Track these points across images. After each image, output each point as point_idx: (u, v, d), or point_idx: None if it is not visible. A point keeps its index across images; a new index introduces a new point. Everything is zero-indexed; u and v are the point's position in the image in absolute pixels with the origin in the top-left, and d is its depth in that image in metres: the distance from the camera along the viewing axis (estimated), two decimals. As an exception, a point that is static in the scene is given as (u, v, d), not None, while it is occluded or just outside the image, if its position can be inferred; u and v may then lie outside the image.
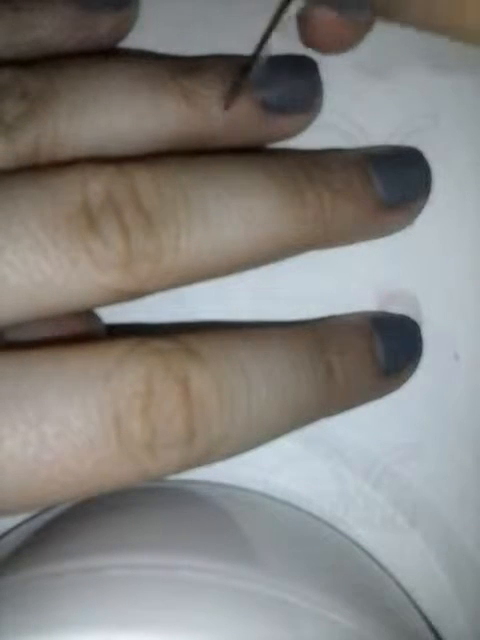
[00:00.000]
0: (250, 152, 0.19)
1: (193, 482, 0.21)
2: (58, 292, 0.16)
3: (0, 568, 0.18)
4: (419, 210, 0.20)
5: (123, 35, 0.20)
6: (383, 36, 0.21)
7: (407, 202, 0.20)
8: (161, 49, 0.21)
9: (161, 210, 0.16)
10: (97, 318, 0.20)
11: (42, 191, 0.16)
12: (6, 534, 0.21)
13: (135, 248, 0.16)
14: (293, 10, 0.20)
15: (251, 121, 0.19)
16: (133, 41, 0.21)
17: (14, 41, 0.19)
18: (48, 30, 0.19)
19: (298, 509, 0.21)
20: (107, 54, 0.20)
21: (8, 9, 0.19)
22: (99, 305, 0.17)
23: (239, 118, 0.19)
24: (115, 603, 0.16)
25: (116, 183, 0.16)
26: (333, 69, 0.21)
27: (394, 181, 0.19)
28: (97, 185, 0.16)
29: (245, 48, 0.20)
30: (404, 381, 0.20)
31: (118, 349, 0.16)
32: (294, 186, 0.18)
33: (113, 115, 0.18)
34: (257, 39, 0.20)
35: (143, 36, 0.21)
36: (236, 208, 0.17)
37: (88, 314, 0.20)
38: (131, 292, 0.16)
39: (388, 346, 0.20)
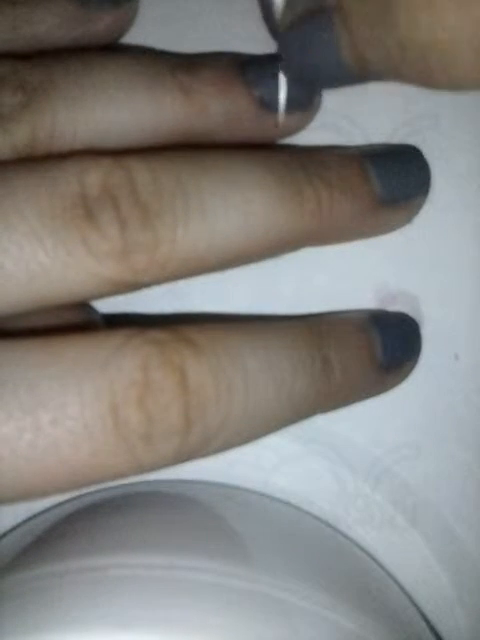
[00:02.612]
0: (249, 149, 0.19)
1: (193, 482, 0.21)
2: (54, 282, 0.16)
3: (1, 568, 0.18)
4: (418, 208, 0.20)
5: (122, 32, 0.20)
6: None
7: (405, 199, 0.20)
8: (161, 47, 0.21)
9: (158, 202, 0.16)
10: (94, 310, 0.20)
11: (39, 181, 0.16)
12: (7, 534, 0.21)
13: (131, 239, 0.16)
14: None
15: (249, 119, 0.19)
16: (133, 39, 0.21)
17: (12, 36, 0.19)
18: (46, 26, 0.19)
19: (298, 509, 0.21)
20: (106, 50, 0.20)
21: (6, 4, 0.19)
22: (96, 296, 0.17)
23: (237, 115, 0.19)
24: (115, 603, 0.16)
25: (113, 174, 0.16)
26: (333, 69, 0.21)
27: (392, 178, 0.19)
28: (94, 176, 0.16)
29: (245, 48, 0.20)
30: (403, 378, 0.20)
31: (115, 338, 0.16)
32: (292, 181, 0.18)
33: (111, 109, 0.18)
34: (257, 38, 0.20)
35: (143, 34, 0.21)
36: (233, 201, 0.17)
37: (85, 306, 0.20)
38: (127, 283, 0.16)
39: (386, 342, 0.19)
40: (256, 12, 0.20)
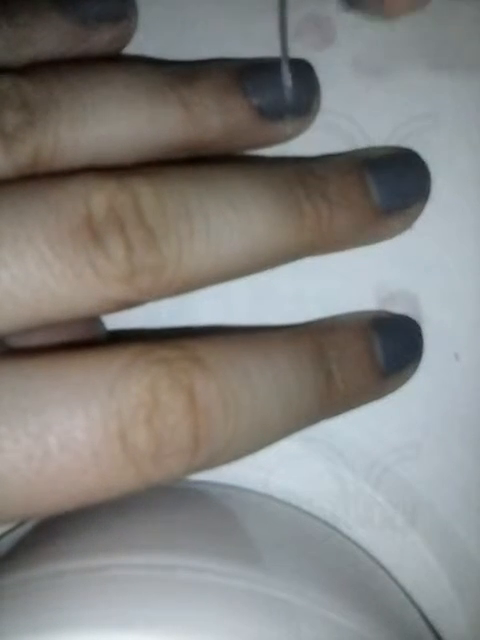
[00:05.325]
0: (248, 158, 0.19)
1: (193, 482, 0.21)
2: (62, 304, 0.16)
3: (1, 568, 0.18)
4: (418, 214, 0.20)
5: (122, 46, 0.20)
6: (383, 36, 0.21)
7: (405, 208, 0.20)
8: (161, 50, 0.21)
9: (163, 223, 0.16)
10: (99, 322, 0.20)
11: (45, 205, 0.16)
12: (6, 534, 0.21)
13: (137, 261, 0.16)
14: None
15: (248, 128, 0.19)
16: (133, 42, 0.21)
17: (12, 57, 0.19)
18: (46, 45, 0.19)
19: (298, 509, 0.21)
20: (106, 62, 0.20)
21: (6, 25, 0.19)
22: (100, 314, 0.17)
23: (236, 126, 0.19)
24: (115, 603, 0.16)
25: (118, 197, 0.16)
26: (333, 69, 0.21)
27: (392, 187, 0.19)
28: (100, 198, 0.16)
29: (245, 49, 0.20)
30: (405, 381, 0.20)
31: (122, 358, 0.16)
32: (292, 198, 0.18)
33: (112, 125, 0.18)
34: (257, 39, 0.20)
35: (143, 37, 0.21)
36: (236, 221, 0.17)
37: (90, 319, 0.20)
38: (132, 302, 0.17)
39: (388, 347, 0.20)
40: (256, 14, 0.20)
